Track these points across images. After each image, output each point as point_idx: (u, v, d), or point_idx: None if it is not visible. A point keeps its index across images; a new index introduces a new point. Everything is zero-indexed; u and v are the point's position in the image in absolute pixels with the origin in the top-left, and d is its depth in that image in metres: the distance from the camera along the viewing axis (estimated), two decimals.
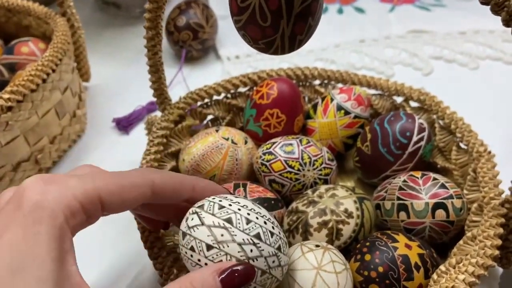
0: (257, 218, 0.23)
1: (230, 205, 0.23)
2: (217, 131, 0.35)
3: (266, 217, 0.24)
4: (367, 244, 0.29)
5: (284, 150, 0.33)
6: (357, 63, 0.55)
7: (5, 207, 0.19)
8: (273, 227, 0.23)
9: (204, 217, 0.22)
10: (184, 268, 0.27)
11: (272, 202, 0.32)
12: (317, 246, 0.27)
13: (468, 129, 0.34)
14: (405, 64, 0.54)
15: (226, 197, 0.24)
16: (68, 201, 0.19)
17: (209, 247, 0.22)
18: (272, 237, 0.23)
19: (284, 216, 0.32)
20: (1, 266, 0.17)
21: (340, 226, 0.29)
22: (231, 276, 0.21)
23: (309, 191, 0.32)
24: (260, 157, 0.34)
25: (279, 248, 0.23)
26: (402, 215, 0.31)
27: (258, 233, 0.22)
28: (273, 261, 0.22)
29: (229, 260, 0.21)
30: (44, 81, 0.37)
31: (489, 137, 0.35)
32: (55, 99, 0.40)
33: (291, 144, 0.34)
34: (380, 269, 0.27)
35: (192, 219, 0.23)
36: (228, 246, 0.22)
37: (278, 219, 0.32)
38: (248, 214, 0.23)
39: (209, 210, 0.23)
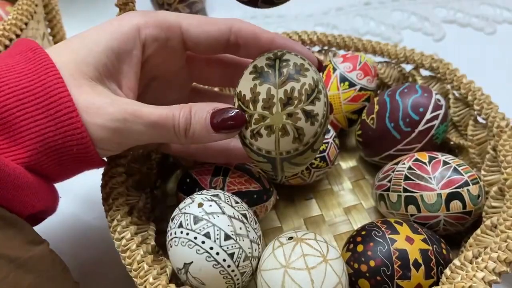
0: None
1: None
2: None
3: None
4: (363, 233, 0.25)
5: None
6: (361, 28, 0.50)
7: None
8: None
9: (224, 207, 0.23)
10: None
11: (255, 196, 0.28)
12: (290, 238, 0.23)
13: (488, 101, 0.30)
14: (414, 29, 0.49)
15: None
16: (145, 15, 0.23)
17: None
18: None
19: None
20: (68, 39, 0.23)
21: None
22: (221, 115, 0.22)
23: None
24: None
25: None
26: (412, 208, 0.26)
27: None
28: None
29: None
30: (6, 47, 0.33)
31: (509, 110, 0.30)
32: None
33: None
34: (372, 263, 0.24)
35: (210, 205, 0.23)
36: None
37: (261, 213, 0.28)
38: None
39: (227, 201, 0.24)
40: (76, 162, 0.22)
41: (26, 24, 0.35)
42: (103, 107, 0.21)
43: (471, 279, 0.21)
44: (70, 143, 0.21)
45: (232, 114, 0.22)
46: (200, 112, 0.22)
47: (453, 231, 0.27)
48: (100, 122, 0.21)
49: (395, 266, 0.23)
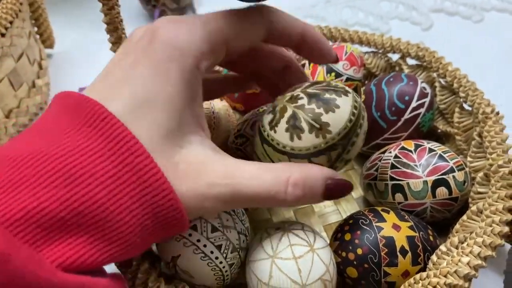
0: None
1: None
2: None
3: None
4: (350, 221, 0.25)
5: None
6: (350, 19, 0.50)
7: (139, 41, 0.19)
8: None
9: None
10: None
11: None
12: (277, 229, 0.23)
13: (473, 88, 0.30)
14: (402, 19, 0.49)
15: None
16: (199, 43, 0.19)
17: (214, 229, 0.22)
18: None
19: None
20: (128, 97, 0.18)
21: None
22: (336, 185, 0.21)
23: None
24: (234, 141, 0.30)
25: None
26: (399, 196, 0.27)
27: None
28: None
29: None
30: None
31: (496, 97, 0.30)
32: (8, 67, 0.35)
33: None
34: (359, 251, 0.24)
35: None
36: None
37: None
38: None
39: None
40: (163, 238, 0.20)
41: (11, 22, 0.34)
42: (202, 193, 0.19)
43: (457, 264, 0.22)
44: (170, 226, 0.19)
45: (346, 183, 0.21)
46: (313, 182, 0.20)
47: (440, 218, 0.27)
48: (204, 206, 0.19)
49: (382, 254, 0.23)
